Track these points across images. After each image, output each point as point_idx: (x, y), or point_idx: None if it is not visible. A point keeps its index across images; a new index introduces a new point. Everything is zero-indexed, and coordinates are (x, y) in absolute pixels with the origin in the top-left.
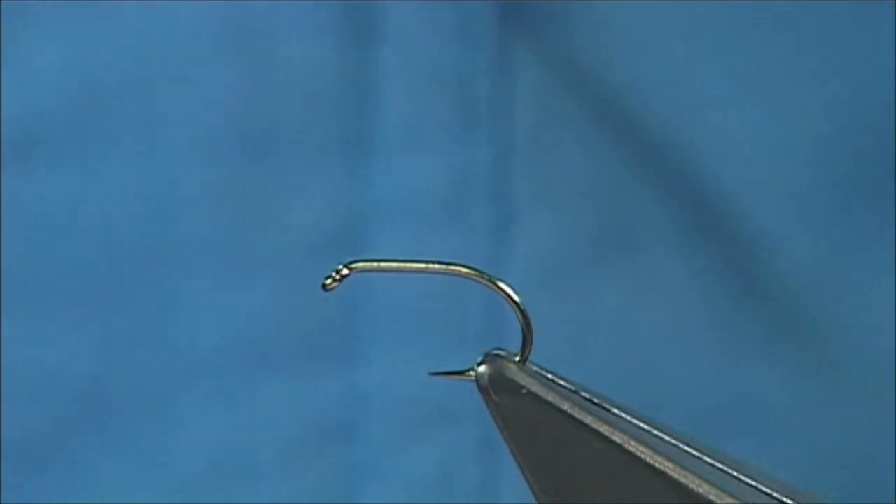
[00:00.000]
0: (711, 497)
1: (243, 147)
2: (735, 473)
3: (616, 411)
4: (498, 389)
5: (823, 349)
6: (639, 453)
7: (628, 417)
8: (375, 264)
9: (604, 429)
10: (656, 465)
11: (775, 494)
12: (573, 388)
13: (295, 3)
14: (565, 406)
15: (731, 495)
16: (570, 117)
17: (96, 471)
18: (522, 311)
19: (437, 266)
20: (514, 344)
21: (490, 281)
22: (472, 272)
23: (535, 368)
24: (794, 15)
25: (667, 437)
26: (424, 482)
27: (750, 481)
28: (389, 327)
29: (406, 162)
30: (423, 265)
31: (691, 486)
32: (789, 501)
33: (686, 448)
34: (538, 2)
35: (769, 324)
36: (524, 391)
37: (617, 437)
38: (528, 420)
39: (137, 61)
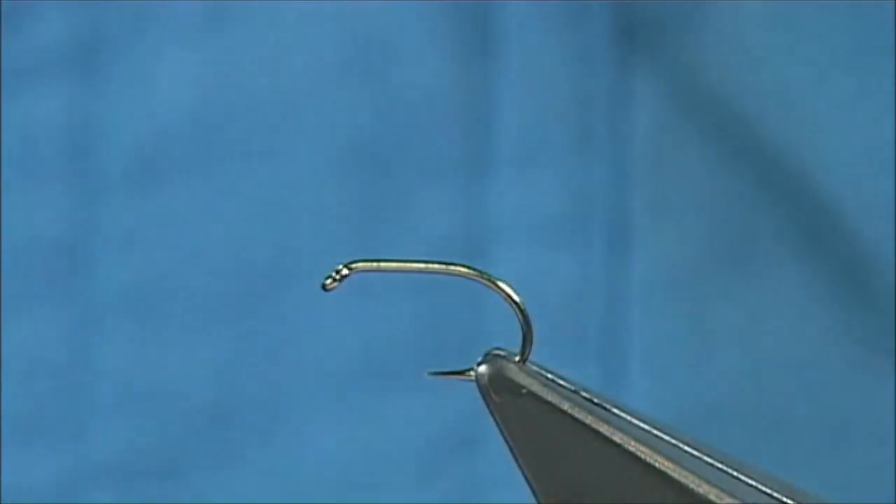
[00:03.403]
0: (711, 497)
1: (364, 165)
2: (735, 473)
3: (616, 411)
4: (498, 389)
5: None
6: (639, 453)
7: (628, 417)
8: (375, 264)
9: (604, 429)
10: (656, 465)
11: (775, 494)
12: (573, 388)
13: (416, 23)
14: (565, 406)
15: (731, 495)
16: (687, 135)
17: (219, 485)
18: (522, 311)
19: (437, 266)
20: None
21: (490, 281)
22: (472, 272)
23: (535, 368)
24: None
25: (667, 437)
26: None
27: (750, 481)
28: (509, 336)
29: (525, 180)
30: (423, 265)
31: (691, 486)
32: (789, 501)
33: (686, 448)
34: (657, 20)
35: (888, 334)
36: (524, 391)
37: (617, 437)
38: (528, 420)
39: (260, 81)
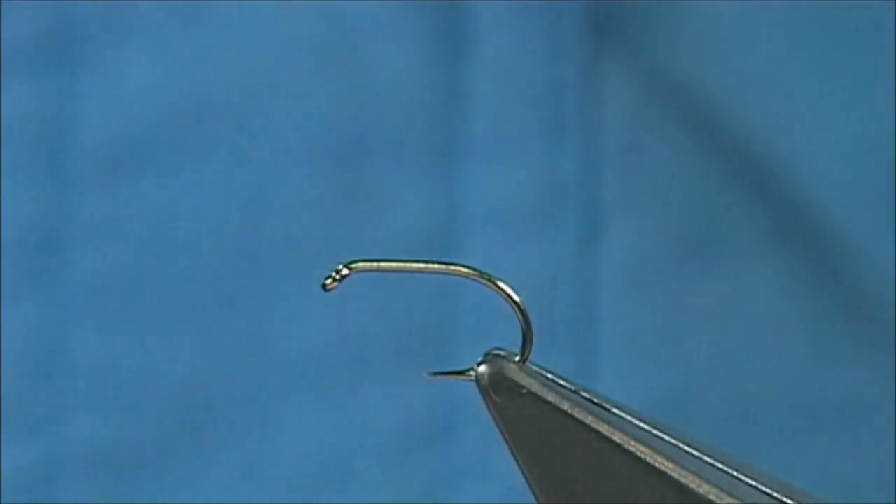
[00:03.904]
0: (711, 497)
1: (337, 156)
2: (735, 473)
3: (616, 411)
4: (498, 389)
5: None
6: (639, 453)
7: (628, 417)
8: (375, 264)
9: (604, 429)
10: (656, 465)
11: (775, 494)
12: (573, 388)
13: (389, 15)
14: (565, 406)
15: (731, 495)
16: (658, 126)
17: (200, 473)
18: (522, 311)
19: (436, 266)
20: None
21: (490, 281)
22: (471, 272)
23: (535, 368)
24: (883, 21)
25: (667, 437)
26: (522, 483)
27: (750, 481)
28: (485, 331)
29: (496, 170)
30: (422, 265)
31: (691, 486)
32: (789, 501)
33: (686, 448)
34: (627, 12)
35: (858, 327)
36: (524, 391)
37: (617, 437)
38: (528, 420)
39: (233, 73)
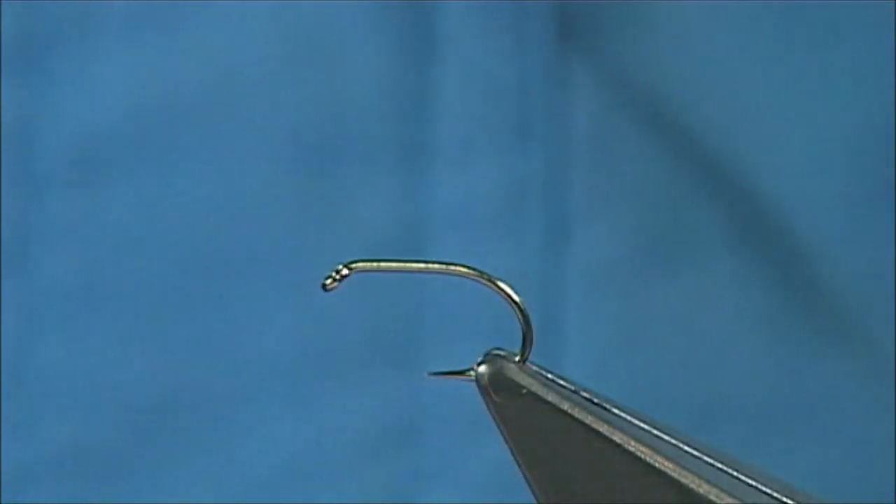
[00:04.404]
0: (711, 497)
1: (306, 158)
2: (735, 473)
3: (616, 411)
4: (498, 389)
5: (875, 350)
6: (639, 453)
7: (628, 417)
8: (375, 264)
9: (604, 429)
10: (656, 465)
11: (775, 494)
12: (573, 388)
13: (356, 17)
14: (565, 406)
15: (731, 495)
16: (624, 127)
17: (167, 476)
18: (522, 311)
19: (437, 266)
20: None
21: (490, 281)
22: (471, 272)
23: (535, 368)
24: (843, 25)
25: (667, 437)
26: (488, 484)
27: (750, 481)
28: (451, 332)
29: (463, 171)
30: (423, 265)
31: (691, 486)
32: (789, 501)
33: (686, 448)
34: (594, 13)
35: (822, 326)
36: (524, 391)
37: (617, 437)
38: (528, 420)
39: (200, 77)
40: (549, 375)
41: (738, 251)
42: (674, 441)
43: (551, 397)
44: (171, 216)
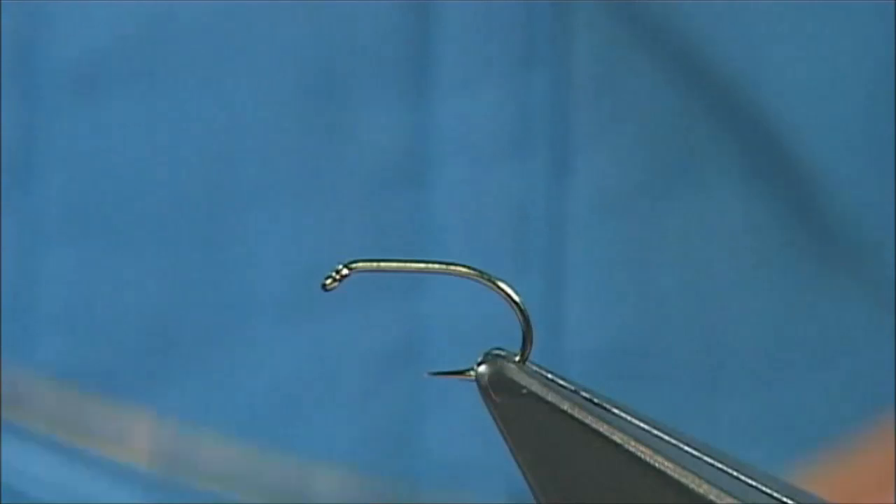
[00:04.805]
0: (711, 497)
1: (307, 83)
2: (735, 473)
3: (616, 411)
4: (498, 389)
5: (881, 277)
6: (639, 453)
7: (628, 417)
8: (375, 264)
9: (604, 429)
10: (656, 465)
11: (775, 494)
12: (573, 388)
13: None
14: (565, 406)
15: (731, 495)
16: (629, 52)
17: (165, 396)
18: (522, 311)
19: (436, 266)
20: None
21: (490, 281)
22: (471, 272)
23: (535, 368)
24: None
25: (667, 437)
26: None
27: (750, 481)
28: (448, 257)
29: (466, 98)
30: (423, 265)
31: (691, 486)
32: (789, 501)
33: (686, 448)
34: None
35: (827, 251)
36: (524, 391)
37: (617, 437)
38: (528, 420)
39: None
40: (549, 375)
41: (743, 178)
42: (674, 441)
43: (551, 397)
44: (169, 141)
